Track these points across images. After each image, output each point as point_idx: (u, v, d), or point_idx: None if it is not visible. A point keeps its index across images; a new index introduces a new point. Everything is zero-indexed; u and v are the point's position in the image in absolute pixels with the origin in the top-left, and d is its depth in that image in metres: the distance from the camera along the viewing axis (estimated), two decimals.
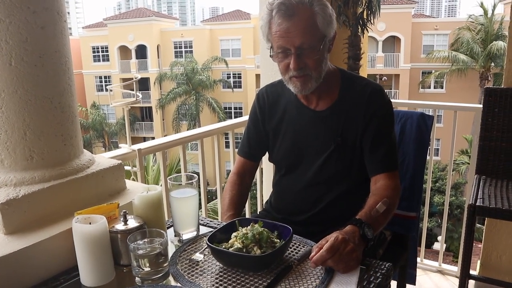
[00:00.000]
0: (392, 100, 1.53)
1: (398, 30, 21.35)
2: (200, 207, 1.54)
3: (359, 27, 2.92)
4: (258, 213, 1.66)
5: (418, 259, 2.89)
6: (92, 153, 1.39)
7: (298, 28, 1.25)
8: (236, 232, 1.11)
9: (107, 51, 25.26)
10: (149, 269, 1.02)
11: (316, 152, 1.41)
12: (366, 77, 1.67)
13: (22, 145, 1.15)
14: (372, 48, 21.56)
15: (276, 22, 1.27)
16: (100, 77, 25.57)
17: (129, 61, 24.69)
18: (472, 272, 2.18)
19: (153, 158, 8.63)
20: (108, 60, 25.30)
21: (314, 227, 1.37)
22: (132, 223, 1.11)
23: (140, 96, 1.77)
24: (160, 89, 24.12)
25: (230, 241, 1.09)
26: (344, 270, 1.02)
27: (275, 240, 1.09)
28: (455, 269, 2.82)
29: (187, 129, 19.12)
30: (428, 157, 1.92)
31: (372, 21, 2.93)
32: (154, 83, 23.58)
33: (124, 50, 24.85)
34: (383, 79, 21.96)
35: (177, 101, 22.19)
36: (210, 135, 2.15)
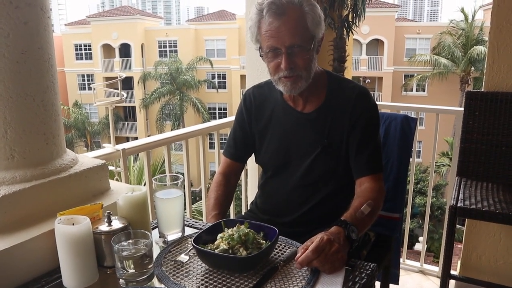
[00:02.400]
0: (377, 103, 1.54)
1: (381, 33, 21.62)
2: (184, 208, 1.52)
3: (344, 29, 2.94)
4: (243, 213, 1.65)
5: (401, 260, 2.92)
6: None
7: (288, 27, 1.25)
8: (222, 233, 1.10)
9: (90, 49, 24.91)
10: (134, 270, 1.00)
11: (303, 154, 1.41)
12: (351, 78, 1.68)
13: (3, 143, 1.12)
14: (356, 51, 21.77)
15: (266, 21, 1.27)
16: (83, 76, 25.20)
17: (113, 59, 24.39)
18: (452, 272, 2.21)
19: (134, 158, 8.55)
20: (91, 58, 24.95)
21: (300, 228, 1.38)
22: (116, 224, 1.10)
23: (125, 95, 1.75)
24: (144, 88, 23.89)
25: (216, 242, 1.08)
26: (329, 271, 1.03)
27: (261, 241, 1.09)
28: (436, 269, 2.86)
29: (171, 129, 19.01)
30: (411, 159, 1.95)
31: (357, 24, 2.96)
32: (138, 82, 23.33)
33: (107, 49, 24.55)
34: (366, 82, 22.18)
35: (161, 101, 22.02)
36: (195, 136, 2.14)
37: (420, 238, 13.46)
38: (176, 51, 24.27)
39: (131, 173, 8.88)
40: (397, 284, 1.85)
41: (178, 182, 1.24)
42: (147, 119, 24.46)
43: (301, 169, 1.42)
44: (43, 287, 1.02)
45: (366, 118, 1.37)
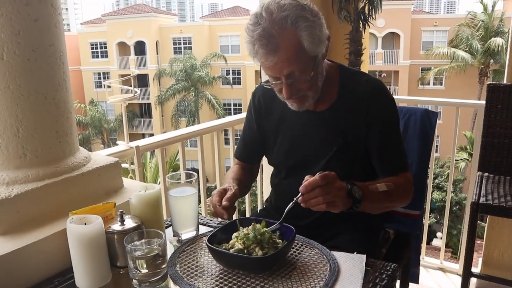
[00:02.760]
0: (394, 97, 1.47)
1: (397, 27, 21.28)
2: (200, 204, 1.49)
3: (360, 22, 2.87)
4: (258, 211, 1.62)
5: (420, 257, 2.86)
6: (90, 150, 1.36)
7: (284, 59, 1.14)
8: (237, 232, 1.07)
9: (105, 47, 25.12)
10: (147, 271, 0.98)
11: (317, 155, 1.34)
12: (367, 72, 1.61)
13: (15, 142, 1.11)
14: (372, 45, 21.48)
15: (260, 56, 1.16)
16: (99, 74, 25.45)
17: (128, 57, 24.55)
18: (473, 269, 2.15)
19: (150, 154, 8.58)
20: (106, 56, 25.16)
21: (316, 231, 1.31)
22: (129, 223, 1.08)
23: (138, 92, 1.74)
24: (159, 85, 24.02)
25: (231, 242, 1.05)
26: (327, 206, 1.04)
27: (277, 240, 1.06)
28: (457, 266, 2.79)
29: (186, 126, 19.09)
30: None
31: (373, 16, 2.89)
32: (153, 79, 23.47)
33: (122, 47, 24.72)
34: (382, 76, 21.88)
35: (176, 98, 22.11)
36: (210, 132, 2.11)
37: (438, 234, 13.29)
38: (190, 48, 24.31)
39: (148, 170, 8.95)
40: (417, 283, 1.80)
41: (192, 180, 1.21)
42: (162, 116, 24.60)
43: (316, 171, 1.33)
44: (56, 287, 1.01)
45: (384, 114, 1.30)
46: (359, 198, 1.12)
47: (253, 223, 1.09)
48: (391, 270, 1.02)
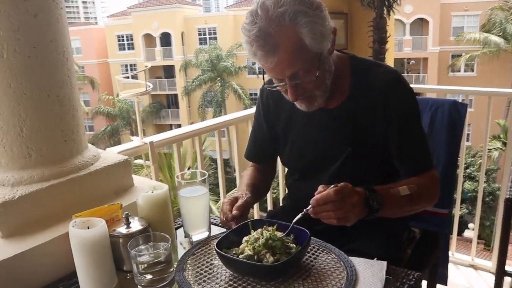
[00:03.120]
0: (421, 86, 1.36)
1: (426, 12, 20.56)
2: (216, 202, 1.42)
3: (384, 8, 2.74)
4: (276, 209, 1.54)
5: (450, 253, 2.74)
6: (120, 141, 1.31)
7: (284, 60, 1.05)
8: (247, 236, 1.01)
9: (132, 39, 25.40)
10: (151, 276, 0.93)
11: (330, 156, 1.24)
12: (392, 61, 1.49)
13: (19, 142, 1.08)
14: (399, 31, 20.87)
15: (259, 58, 1.06)
16: (126, 66, 25.78)
17: (154, 49, 24.75)
18: (507, 268, 2.03)
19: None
20: (133, 48, 25.44)
21: (335, 233, 1.21)
22: (136, 225, 1.03)
23: (151, 86, 1.68)
24: (186, 76, 24.13)
25: (241, 246, 0.99)
26: (338, 220, 0.97)
27: (291, 245, 0.99)
28: (489, 264, 2.66)
29: (213, 116, 19.14)
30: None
31: (398, 2, 2.75)
32: (179, 70, 23.60)
33: (148, 38, 24.92)
34: (410, 63, 21.29)
35: (202, 88, 22.17)
36: (225, 126, 2.05)
37: (470, 225, 12.93)
38: (215, 38, 24.28)
39: (175, 161, 9.01)
40: (445, 284, 1.70)
41: (203, 179, 1.15)
42: (189, 107, 24.76)
43: (330, 173, 1.25)
44: None
45: (403, 108, 1.18)
46: (376, 208, 1.04)
47: (265, 226, 1.03)
48: (414, 279, 0.94)
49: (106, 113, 21.62)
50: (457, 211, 2.75)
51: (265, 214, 2.59)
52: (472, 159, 14.31)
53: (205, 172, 1.17)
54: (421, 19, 21.02)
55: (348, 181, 1.20)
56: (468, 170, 13.81)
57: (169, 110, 25.88)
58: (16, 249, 0.98)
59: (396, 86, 1.19)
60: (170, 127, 22.93)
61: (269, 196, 2.43)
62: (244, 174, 1.42)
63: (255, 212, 2.46)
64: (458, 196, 2.71)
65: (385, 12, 2.72)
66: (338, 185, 0.98)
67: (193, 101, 23.75)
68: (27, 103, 1.06)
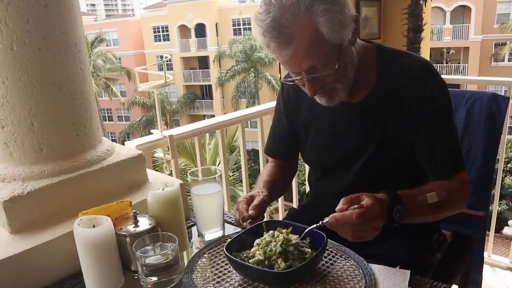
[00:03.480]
0: (459, 77, 1.25)
1: None
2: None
3: None
4: (297, 207, 1.48)
5: (486, 254, 2.59)
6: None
7: (300, 52, 0.97)
8: (259, 239, 0.95)
9: (167, 31, 25.69)
10: (156, 279, 0.89)
11: (354, 153, 1.16)
12: (428, 51, 1.37)
13: (30, 136, 1.06)
14: (439, 20, 20.07)
15: (272, 50, 0.99)
16: (161, 57, 26.14)
17: (189, 40, 24.96)
18: None
19: (209, 135, 8.66)
20: (168, 39, 25.74)
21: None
22: (144, 224, 0.99)
23: (170, 78, 1.65)
24: (220, 67, 24.22)
25: (252, 250, 0.93)
26: (353, 239, 0.92)
27: (306, 250, 0.92)
28: None
29: (246, 107, 19.15)
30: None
31: None
32: (214, 61, 23.71)
33: (183, 29, 25.14)
34: (450, 52, 20.48)
35: (236, 79, 22.19)
36: (248, 119, 1.99)
37: (510, 222, 12.35)
38: (250, 29, 24.17)
39: (206, 151, 9.07)
40: None
41: (216, 176, 1.11)
42: (223, 97, 24.87)
43: (354, 171, 1.17)
44: None
45: (433, 104, 1.08)
46: (398, 220, 0.97)
47: (278, 228, 0.96)
48: None
49: (141, 104, 22.04)
50: (495, 208, 2.59)
51: (291, 204, 2.54)
52: None
53: (219, 169, 1.13)
54: (463, 6, 20.10)
55: (375, 176, 1.15)
56: (509, 165, 13.21)
57: (203, 100, 26.09)
58: (24, 245, 0.96)
59: (426, 78, 1.09)
60: (203, 118, 23.09)
61: (294, 190, 2.37)
62: (263, 170, 1.37)
63: (280, 204, 2.40)
64: (496, 193, 2.56)
65: None
66: (364, 205, 0.90)
67: (226, 91, 23.82)
68: (37, 97, 1.04)
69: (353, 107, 1.15)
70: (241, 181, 2.50)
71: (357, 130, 1.16)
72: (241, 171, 2.16)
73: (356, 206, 0.90)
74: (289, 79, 1.09)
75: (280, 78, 1.12)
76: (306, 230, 0.95)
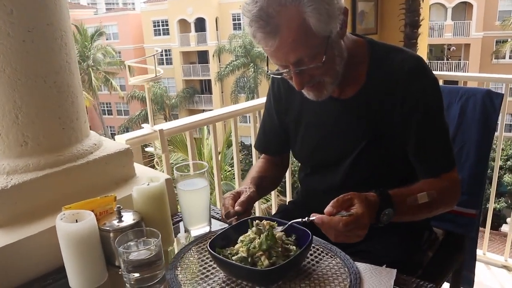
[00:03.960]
0: (461, 74, 1.22)
1: None
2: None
3: None
4: (287, 203, 1.47)
5: (481, 252, 2.59)
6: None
7: (287, 44, 0.95)
8: (243, 236, 0.94)
9: (167, 25, 25.59)
10: (139, 274, 0.88)
11: (345, 149, 1.15)
12: (426, 46, 1.35)
13: (15, 129, 1.04)
14: (440, 16, 20.00)
15: (258, 40, 0.97)
16: (158, 49, 26.00)
17: (189, 34, 24.87)
18: None
19: (207, 130, 8.65)
20: (168, 34, 25.65)
21: None
22: (128, 219, 0.98)
23: (161, 71, 1.63)
24: (219, 62, 24.17)
25: (236, 246, 0.92)
26: (336, 241, 0.91)
27: (291, 247, 0.91)
28: None
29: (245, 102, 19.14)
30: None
31: None
32: (213, 56, 23.65)
33: (183, 24, 25.05)
34: (451, 49, 20.42)
35: (235, 74, 22.15)
36: (239, 115, 1.98)
37: (508, 220, 12.37)
38: None
39: (205, 146, 9.06)
40: None
41: (203, 171, 1.09)
42: (222, 92, 24.83)
43: (344, 168, 1.16)
44: (49, 285, 0.95)
45: (425, 102, 1.07)
46: (385, 222, 0.96)
47: (261, 222, 0.95)
48: None
49: (140, 98, 21.98)
50: (491, 206, 2.58)
51: (285, 199, 2.51)
52: None
53: (205, 163, 1.11)
54: (465, 3, 20.01)
55: (366, 173, 1.13)
56: (509, 163, 13.22)
57: (202, 95, 26.03)
58: (7, 239, 0.95)
59: (419, 74, 1.07)
60: (203, 112, 23.07)
61: (288, 186, 2.35)
62: (253, 166, 1.35)
63: (273, 197, 2.38)
64: (492, 190, 2.55)
65: None
66: (353, 213, 0.89)
67: (226, 86, 23.78)
68: (22, 89, 1.02)
69: (344, 103, 1.13)
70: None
71: (348, 126, 1.14)
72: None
73: (345, 213, 0.89)
74: (276, 71, 1.07)
75: (268, 71, 1.10)
76: (289, 223, 0.94)
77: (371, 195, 0.96)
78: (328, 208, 0.90)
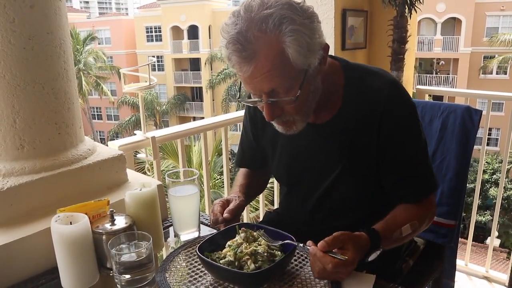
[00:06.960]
0: (448, 90, 1.24)
1: (459, 11, 19.93)
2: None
3: (406, 6, 2.64)
4: (272, 211, 1.51)
5: (463, 263, 2.65)
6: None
7: (263, 72, 0.92)
8: (231, 241, 0.98)
9: (160, 31, 25.64)
10: (130, 276, 0.92)
11: (319, 173, 1.14)
12: (413, 61, 1.37)
13: (12, 133, 1.08)
14: (430, 30, 20.35)
15: (233, 63, 0.94)
16: (153, 57, 26.04)
17: (181, 41, 24.94)
18: None
19: (194, 138, 8.65)
20: (161, 40, 25.69)
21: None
22: (120, 223, 1.02)
23: (155, 80, 1.68)
24: (211, 69, 24.24)
25: (224, 251, 0.97)
26: (317, 276, 0.92)
27: (276, 252, 0.96)
28: (504, 277, 2.56)
29: (236, 110, 19.20)
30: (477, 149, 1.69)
31: (421, 0, 2.65)
32: (205, 63, 23.73)
33: (176, 31, 25.12)
34: (440, 64, 20.75)
35: (227, 82, 22.22)
36: (229, 124, 2.02)
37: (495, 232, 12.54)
38: None
39: (193, 153, 9.07)
40: None
41: (193, 178, 1.14)
42: (213, 100, 24.87)
43: (320, 191, 1.16)
44: (42, 285, 0.98)
45: (402, 128, 1.06)
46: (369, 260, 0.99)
47: (250, 231, 1.00)
48: None
49: (131, 103, 21.93)
50: (473, 218, 2.66)
51: (273, 207, 2.54)
52: (500, 165, 13.88)
53: (196, 171, 1.16)
54: (454, 19, 20.40)
55: (342, 197, 1.14)
56: (494, 176, 13.42)
57: (193, 102, 26.04)
58: (2, 240, 0.98)
59: (395, 101, 1.06)
60: (193, 119, 23.09)
61: (276, 193, 2.40)
62: (239, 173, 1.37)
63: (261, 206, 2.42)
64: (475, 203, 2.63)
65: (406, 10, 2.63)
66: (346, 258, 0.89)
67: (217, 94, 23.83)
68: (21, 95, 1.06)
69: (319, 127, 1.12)
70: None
71: (323, 151, 1.13)
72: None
73: (339, 256, 0.89)
74: (248, 99, 1.05)
75: (239, 97, 1.06)
76: (279, 243, 0.97)
77: (364, 238, 0.96)
78: (322, 244, 0.90)
